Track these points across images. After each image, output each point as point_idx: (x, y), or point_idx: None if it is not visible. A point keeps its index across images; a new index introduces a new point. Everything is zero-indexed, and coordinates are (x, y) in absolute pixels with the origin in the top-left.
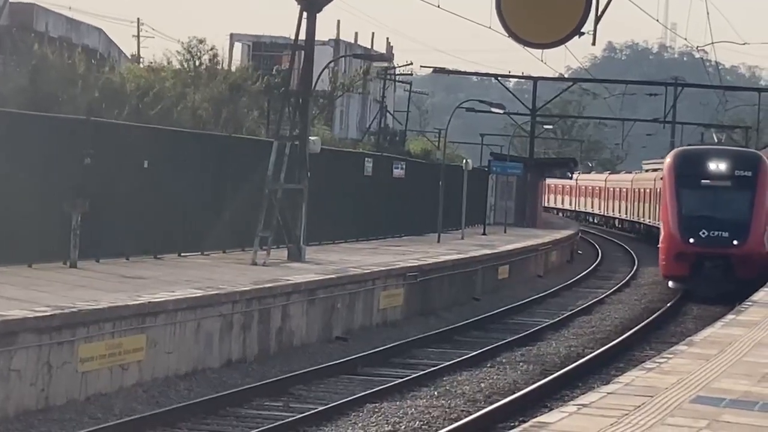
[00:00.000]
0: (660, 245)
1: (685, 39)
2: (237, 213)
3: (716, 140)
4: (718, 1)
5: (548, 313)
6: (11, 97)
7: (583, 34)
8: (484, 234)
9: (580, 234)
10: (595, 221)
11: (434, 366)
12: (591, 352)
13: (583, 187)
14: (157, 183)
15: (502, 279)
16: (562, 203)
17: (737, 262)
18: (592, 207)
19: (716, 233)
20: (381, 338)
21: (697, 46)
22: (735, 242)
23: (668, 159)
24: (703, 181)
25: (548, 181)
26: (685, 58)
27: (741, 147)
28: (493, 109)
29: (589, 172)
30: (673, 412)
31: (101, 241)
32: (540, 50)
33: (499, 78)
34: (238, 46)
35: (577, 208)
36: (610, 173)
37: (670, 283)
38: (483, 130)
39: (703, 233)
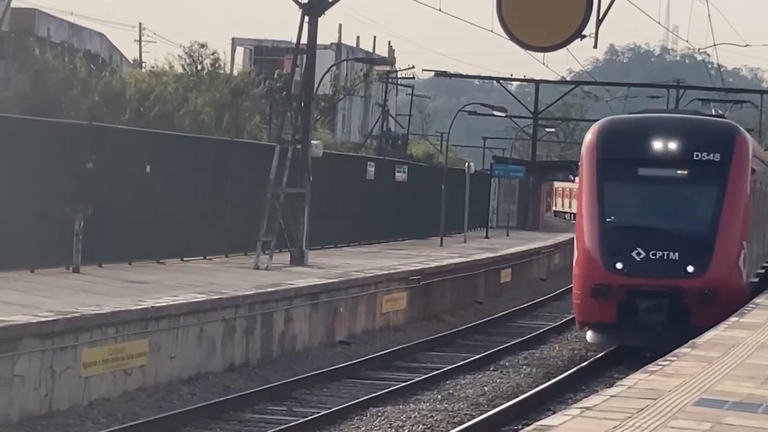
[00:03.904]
0: (573, 272)
1: (687, 41)
2: (239, 217)
3: (715, 114)
4: (719, 3)
5: (551, 317)
6: (13, 102)
7: (584, 36)
8: (486, 237)
9: None
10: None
11: (437, 370)
12: (594, 355)
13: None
14: (159, 187)
15: (504, 282)
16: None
17: (693, 302)
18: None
19: (660, 254)
20: (384, 342)
21: (699, 49)
22: (690, 269)
23: (588, 135)
24: (641, 170)
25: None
26: (687, 61)
27: (709, 115)
28: (495, 113)
29: None
30: (677, 414)
31: (104, 245)
32: (542, 53)
33: (501, 81)
34: (240, 50)
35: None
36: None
37: (589, 335)
38: (485, 133)
39: (639, 254)
